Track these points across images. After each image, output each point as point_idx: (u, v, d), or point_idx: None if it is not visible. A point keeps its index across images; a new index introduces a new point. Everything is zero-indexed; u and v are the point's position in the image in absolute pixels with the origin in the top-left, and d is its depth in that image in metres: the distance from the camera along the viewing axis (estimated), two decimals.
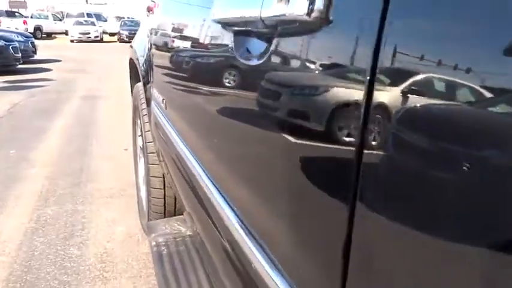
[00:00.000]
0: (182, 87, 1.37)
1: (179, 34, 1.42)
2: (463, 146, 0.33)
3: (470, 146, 0.32)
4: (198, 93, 1.16)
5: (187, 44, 1.32)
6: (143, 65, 2.08)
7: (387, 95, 0.40)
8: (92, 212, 2.61)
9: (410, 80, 0.38)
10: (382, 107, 0.40)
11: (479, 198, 0.32)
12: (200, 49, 1.17)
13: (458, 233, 0.34)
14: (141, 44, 2.19)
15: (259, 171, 0.74)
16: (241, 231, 0.78)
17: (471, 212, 0.32)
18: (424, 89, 0.37)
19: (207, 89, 1.08)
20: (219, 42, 0.99)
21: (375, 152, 0.42)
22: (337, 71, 0.53)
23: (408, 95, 0.38)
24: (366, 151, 0.42)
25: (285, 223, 0.65)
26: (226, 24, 0.90)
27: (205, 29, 1.09)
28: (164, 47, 1.62)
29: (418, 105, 0.37)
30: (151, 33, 1.91)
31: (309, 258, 0.57)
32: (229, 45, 0.85)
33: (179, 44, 1.40)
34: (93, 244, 2.26)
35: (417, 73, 0.37)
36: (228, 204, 0.87)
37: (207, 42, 1.09)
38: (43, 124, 4.64)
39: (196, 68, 1.21)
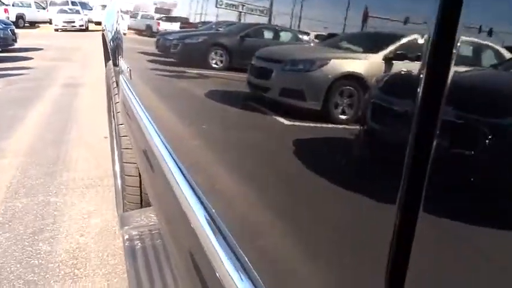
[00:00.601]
0: (145, 56, 1.29)
1: (146, 8, 1.40)
2: None
3: None
4: (160, 63, 1.10)
5: (151, 18, 1.30)
6: (111, 41, 1.92)
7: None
8: (65, 204, 2.41)
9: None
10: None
11: None
12: (162, 23, 1.14)
13: None
14: (110, 18, 2.04)
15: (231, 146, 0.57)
16: (207, 226, 0.60)
17: None
18: None
19: (169, 57, 1.03)
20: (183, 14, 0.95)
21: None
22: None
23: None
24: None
25: (264, 221, 0.48)
26: None
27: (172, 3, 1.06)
28: (130, 21, 1.62)
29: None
30: (120, 10, 1.88)
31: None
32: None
33: (145, 17, 1.40)
34: (64, 239, 2.07)
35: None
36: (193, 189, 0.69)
37: (171, 14, 1.05)
38: (20, 113, 4.39)
39: (156, 38, 1.19)
